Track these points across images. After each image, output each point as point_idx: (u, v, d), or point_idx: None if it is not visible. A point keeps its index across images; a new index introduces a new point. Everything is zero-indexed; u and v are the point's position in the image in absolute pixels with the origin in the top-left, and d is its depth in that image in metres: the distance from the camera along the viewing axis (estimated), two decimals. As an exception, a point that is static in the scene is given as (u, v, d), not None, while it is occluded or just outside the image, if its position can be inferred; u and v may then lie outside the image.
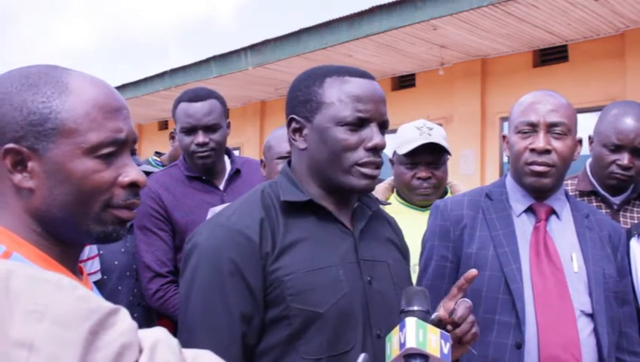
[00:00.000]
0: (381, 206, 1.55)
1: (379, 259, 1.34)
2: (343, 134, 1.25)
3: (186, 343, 1.18)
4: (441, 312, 1.25)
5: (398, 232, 1.50)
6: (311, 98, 1.28)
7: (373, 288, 1.29)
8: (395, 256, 1.42)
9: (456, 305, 1.24)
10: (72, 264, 0.96)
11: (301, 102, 1.30)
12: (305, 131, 1.30)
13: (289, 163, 1.40)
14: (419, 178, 2.20)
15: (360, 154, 1.26)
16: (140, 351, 0.56)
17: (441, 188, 2.27)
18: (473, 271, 1.27)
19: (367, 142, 1.26)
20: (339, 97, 1.26)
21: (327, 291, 1.22)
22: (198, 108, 2.29)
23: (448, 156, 2.25)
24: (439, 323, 1.23)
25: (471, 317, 1.25)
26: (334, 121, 1.25)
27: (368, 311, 1.27)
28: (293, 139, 1.32)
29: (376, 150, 1.27)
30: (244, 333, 1.19)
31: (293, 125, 1.32)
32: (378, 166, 1.29)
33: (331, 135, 1.26)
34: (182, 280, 1.27)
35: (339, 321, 1.21)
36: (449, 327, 1.23)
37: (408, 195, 2.26)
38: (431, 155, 2.19)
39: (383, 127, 1.31)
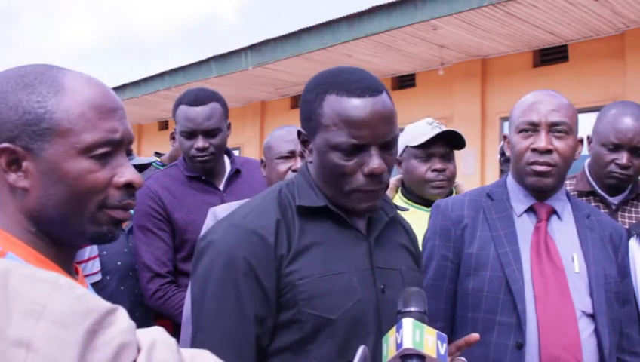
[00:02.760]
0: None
1: (393, 267, 1.32)
2: (338, 160, 1.21)
3: (200, 343, 1.17)
4: None
5: (413, 239, 1.47)
6: (312, 116, 1.25)
7: (386, 296, 1.27)
8: (409, 263, 1.39)
9: None
10: (67, 264, 0.95)
11: (305, 117, 1.27)
12: (310, 146, 1.28)
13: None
14: (434, 170, 2.19)
15: (358, 181, 1.22)
16: (138, 351, 0.56)
17: (452, 183, 2.27)
18: (475, 336, 1.24)
19: (364, 168, 1.21)
20: (334, 121, 1.20)
21: (340, 297, 1.20)
22: (199, 112, 2.28)
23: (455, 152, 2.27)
24: None
25: None
26: (329, 145, 1.21)
27: (380, 319, 1.25)
28: (304, 150, 1.31)
29: (375, 175, 1.21)
30: (258, 335, 1.18)
31: (302, 137, 1.30)
32: (379, 191, 1.24)
33: (328, 159, 1.22)
34: (194, 279, 1.25)
35: (350, 328, 1.20)
36: None
37: (421, 191, 2.24)
38: (445, 147, 2.20)
39: (387, 145, 1.24)
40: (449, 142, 2.21)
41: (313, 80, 1.29)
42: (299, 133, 1.31)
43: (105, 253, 2.34)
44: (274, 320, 1.19)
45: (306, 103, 1.27)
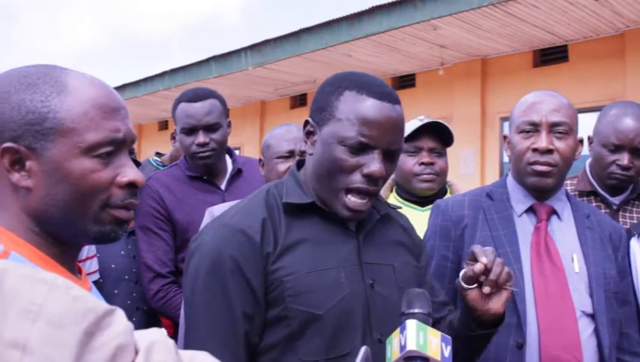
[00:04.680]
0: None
1: (383, 263, 1.33)
2: (342, 154, 1.22)
3: (191, 342, 1.19)
4: (468, 269, 1.23)
5: (412, 235, 1.48)
6: (326, 107, 1.26)
7: (375, 291, 1.27)
8: (404, 259, 1.39)
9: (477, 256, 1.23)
10: (70, 263, 0.96)
11: (319, 107, 1.29)
12: (315, 137, 1.29)
13: (299, 163, 1.39)
14: (422, 163, 2.18)
15: (354, 178, 1.23)
16: (136, 352, 0.56)
17: (442, 179, 2.25)
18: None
19: (364, 168, 1.22)
20: (348, 116, 1.22)
21: (327, 293, 1.21)
22: (198, 108, 2.29)
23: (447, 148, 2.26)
24: (470, 279, 1.22)
25: (499, 259, 1.22)
26: (337, 138, 1.23)
27: (369, 314, 1.26)
28: (305, 142, 1.32)
29: (372, 178, 1.23)
30: (247, 332, 1.19)
31: (308, 128, 1.31)
32: (370, 194, 1.25)
33: (331, 152, 1.23)
34: (185, 279, 1.26)
35: (338, 324, 1.21)
36: (482, 278, 1.22)
37: (410, 186, 2.23)
38: (434, 142, 2.19)
39: (391, 155, 1.26)
40: (439, 138, 2.20)
41: (335, 75, 1.32)
42: (306, 122, 1.31)
43: (98, 254, 2.30)
44: (262, 317, 1.20)
45: (323, 94, 1.29)
